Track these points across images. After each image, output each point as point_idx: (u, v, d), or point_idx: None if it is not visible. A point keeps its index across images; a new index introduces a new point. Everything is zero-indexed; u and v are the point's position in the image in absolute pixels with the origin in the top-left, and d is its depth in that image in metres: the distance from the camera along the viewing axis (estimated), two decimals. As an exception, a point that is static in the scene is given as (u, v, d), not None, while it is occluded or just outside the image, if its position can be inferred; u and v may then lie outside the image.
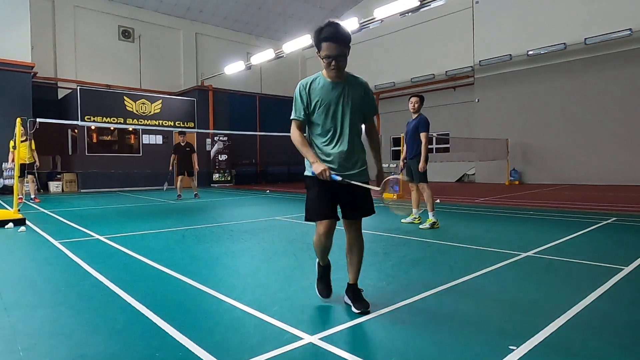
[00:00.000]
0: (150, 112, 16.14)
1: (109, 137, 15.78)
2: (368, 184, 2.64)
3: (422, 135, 5.95)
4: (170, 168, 11.49)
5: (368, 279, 3.36)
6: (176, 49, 20.28)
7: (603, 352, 2.06)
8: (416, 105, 6.04)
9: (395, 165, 20.00)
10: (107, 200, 10.87)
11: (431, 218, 5.91)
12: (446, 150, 18.33)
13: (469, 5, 17.28)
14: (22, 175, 9.79)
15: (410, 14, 12.79)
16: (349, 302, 2.70)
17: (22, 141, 9.42)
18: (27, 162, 9.81)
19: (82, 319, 2.55)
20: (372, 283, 3.26)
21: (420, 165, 5.96)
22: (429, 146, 6.72)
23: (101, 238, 5.31)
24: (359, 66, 21.94)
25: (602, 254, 4.27)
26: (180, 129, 16.72)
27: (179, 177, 11.49)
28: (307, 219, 2.78)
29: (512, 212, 7.53)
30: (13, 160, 9.61)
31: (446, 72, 18.32)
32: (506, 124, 16.17)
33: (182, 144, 11.28)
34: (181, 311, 2.67)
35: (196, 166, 11.41)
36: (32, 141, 10.09)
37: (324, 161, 2.61)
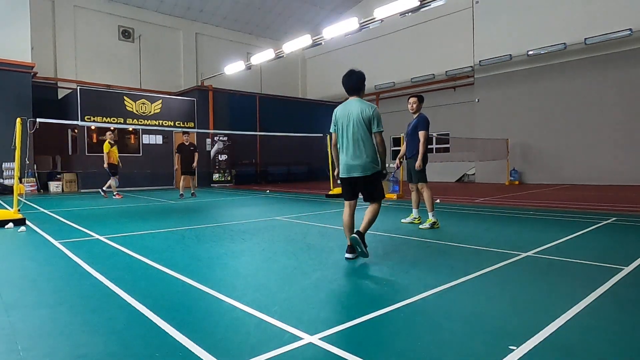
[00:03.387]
0: (150, 112, 16.14)
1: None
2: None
3: (421, 134, 5.90)
4: (176, 167, 11.75)
5: (368, 279, 3.36)
6: (176, 49, 20.29)
7: (603, 352, 2.06)
8: (414, 106, 6.03)
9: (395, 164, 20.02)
10: (107, 200, 10.87)
11: (431, 218, 5.91)
12: (446, 150, 18.35)
13: (469, 5, 17.28)
14: (115, 174, 11.66)
15: (410, 14, 12.83)
16: (349, 255, 3.97)
17: (113, 145, 11.51)
18: (115, 164, 11.55)
19: (82, 319, 2.55)
20: (372, 283, 3.26)
21: (417, 163, 5.95)
22: (429, 146, 6.71)
23: (101, 238, 5.31)
24: (359, 66, 21.90)
25: (602, 254, 4.26)
26: (180, 129, 16.78)
27: (182, 177, 11.73)
28: None
29: (512, 212, 7.53)
30: (109, 161, 11.41)
31: (446, 72, 18.32)
32: (506, 124, 16.18)
33: (186, 144, 11.52)
34: (181, 311, 2.67)
35: (195, 164, 11.61)
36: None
37: None
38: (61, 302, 2.87)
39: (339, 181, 4.15)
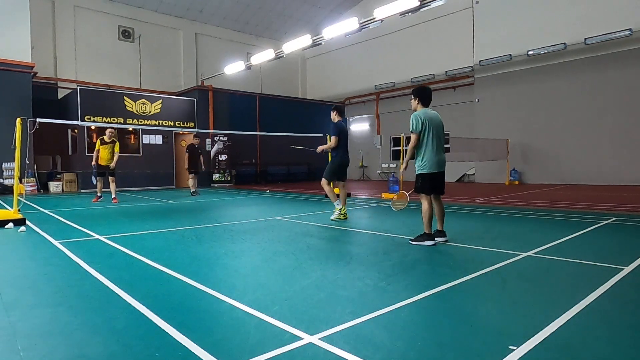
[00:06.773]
0: (150, 112, 16.14)
1: (109, 137, 15.76)
2: None
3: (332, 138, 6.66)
4: (187, 166, 12.42)
5: (368, 279, 3.36)
6: (176, 49, 20.28)
7: (603, 352, 2.06)
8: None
9: (395, 165, 20.00)
10: (107, 201, 10.86)
11: (337, 207, 6.53)
12: (446, 150, 18.30)
13: (469, 5, 17.28)
14: (101, 175, 10.51)
15: (410, 14, 12.81)
16: (440, 239, 4.74)
17: (105, 144, 10.33)
18: (108, 164, 10.34)
19: (82, 319, 2.55)
20: (372, 283, 3.25)
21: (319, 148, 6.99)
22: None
23: (101, 238, 5.31)
24: (359, 66, 21.96)
25: (602, 254, 4.26)
26: (180, 129, 16.79)
27: (190, 175, 12.48)
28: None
29: (512, 212, 7.53)
30: (96, 160, 10.33)
31: (446, 72, 18.31)
32: (506, 124, 16.17)
33: (196, 146, 12.38)
34: (181, 311, 2.67)
35: (202, 167, 12.75)
36: (117, 144, 10.52)
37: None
38: (61, 302, 2.87)
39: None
